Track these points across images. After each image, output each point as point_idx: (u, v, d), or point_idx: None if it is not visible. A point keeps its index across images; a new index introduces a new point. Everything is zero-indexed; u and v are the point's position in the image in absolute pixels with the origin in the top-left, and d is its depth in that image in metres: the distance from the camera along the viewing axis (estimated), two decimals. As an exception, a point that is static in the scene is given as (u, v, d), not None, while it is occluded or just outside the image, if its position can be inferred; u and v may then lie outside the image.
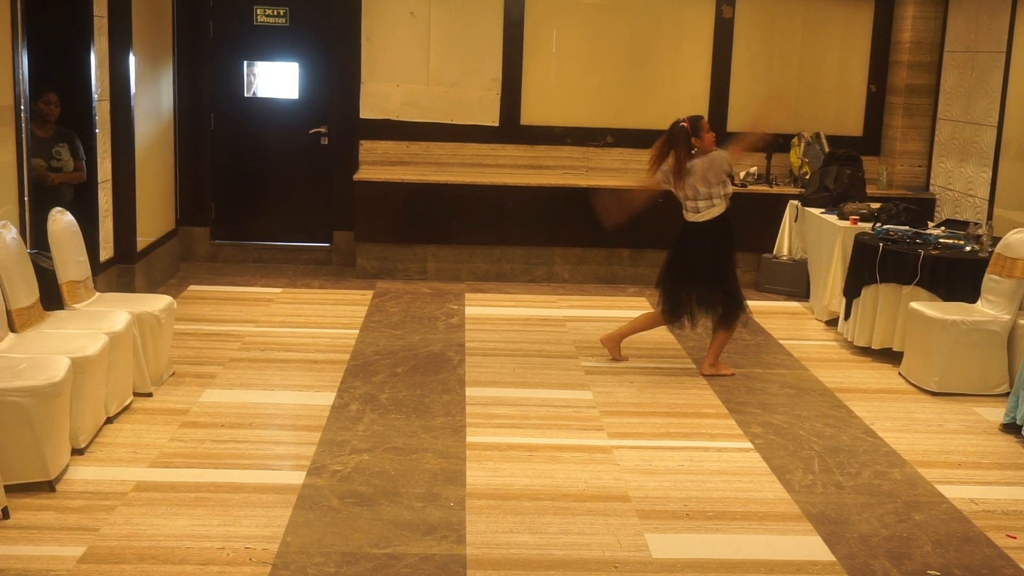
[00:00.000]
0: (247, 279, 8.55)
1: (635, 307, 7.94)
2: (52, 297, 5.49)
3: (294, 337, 6.91)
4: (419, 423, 5.40)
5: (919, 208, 7.58)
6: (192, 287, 8.20)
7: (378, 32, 8.96)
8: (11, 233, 5.14)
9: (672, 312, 6.38)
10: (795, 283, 8.44)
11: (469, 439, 5.20)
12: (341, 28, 8.97)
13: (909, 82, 8.94)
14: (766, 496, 4.67)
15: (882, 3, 9.15)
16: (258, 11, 8.99)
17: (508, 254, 8.80)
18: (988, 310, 6.20)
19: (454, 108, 9.08)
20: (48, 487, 4.41)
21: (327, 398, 5.73)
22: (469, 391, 5.92)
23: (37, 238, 5.88)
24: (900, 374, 6.48)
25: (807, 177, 8.75)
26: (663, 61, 9.17)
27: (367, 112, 9.04)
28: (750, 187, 8.77)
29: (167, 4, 8.45)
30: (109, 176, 7.30)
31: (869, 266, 6.76)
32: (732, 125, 9.13)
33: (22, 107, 5.86)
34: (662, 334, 7.06)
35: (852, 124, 9.35)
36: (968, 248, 6.69)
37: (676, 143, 6.16)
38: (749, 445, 5.28)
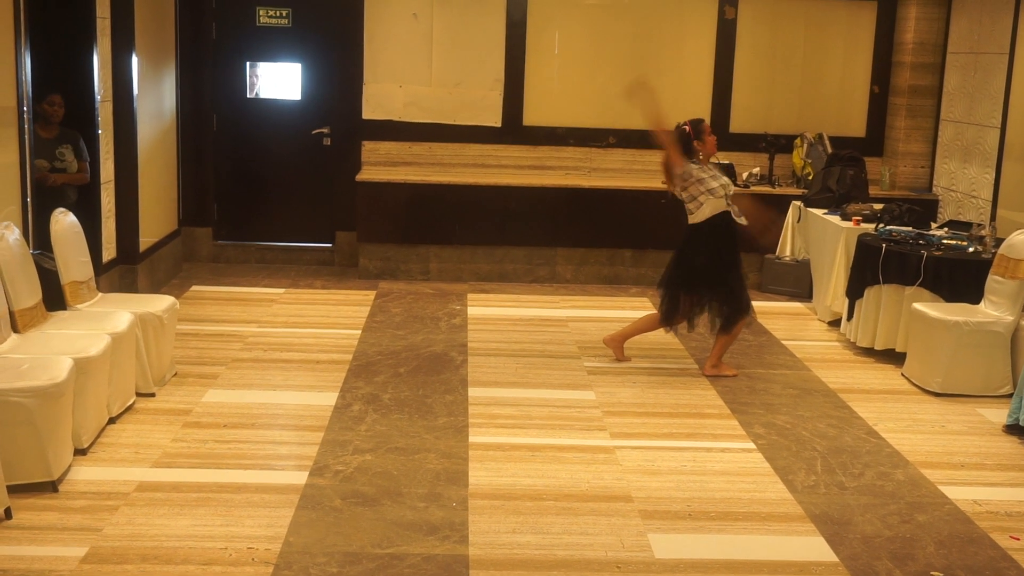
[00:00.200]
0: (249, 279, 8.55)
1: (638, 308, 7.93)
2: (55, 297, 5.49)
3: (297, 337, 6.91)
4: (422, 423, 5.40)
5: (922, 209, 7.57)
6: (195, 287, 8.20)
7: (380, 33, 8.96)
8: (14, 234, 5.15)
9: (669, 314, 6.37)
10: (798, 284, 8.43)
11: (472, 439, 5.20)
12: (344, 29, 8.97)
13: (912, 83, 8.93)
14: (769, 497, 4.66)
15: (885, 4, 9.15)
16: (260, 12, 8.99)
17: (510, 254, 8.80)
18: (991, 311, 6.19)
19: (456, 109, 9.08)
20: (51, 487, 4.42)
21: (329, 398, 5.73)
22: (472, 391, 5.92)
23: (40, 239, 5.88)
24: (903, 375, 6.48)
25: (810, 178, 8.74)
26: (666, 62, 9.17)
27: (369, 113, 9.05)
28: (753, 188, 8.77)
29: (169, 5, 8.46)
30: (112, 177, 7.30)
31: (872, 267, 6.76)
32: (735, 126, 9.15)
33: (25, 108, 5.86)
34: (665, 335, 7.05)
35: (855, 125, 9.34)
36: (971, 249, 6.68)
37: (674, 141, 6.18)
38: (752, 446, 5.27)
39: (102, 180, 7.08)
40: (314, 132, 9.16)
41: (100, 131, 7.04)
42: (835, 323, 7.53)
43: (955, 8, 8.69)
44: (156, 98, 8.09)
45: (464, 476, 4.75)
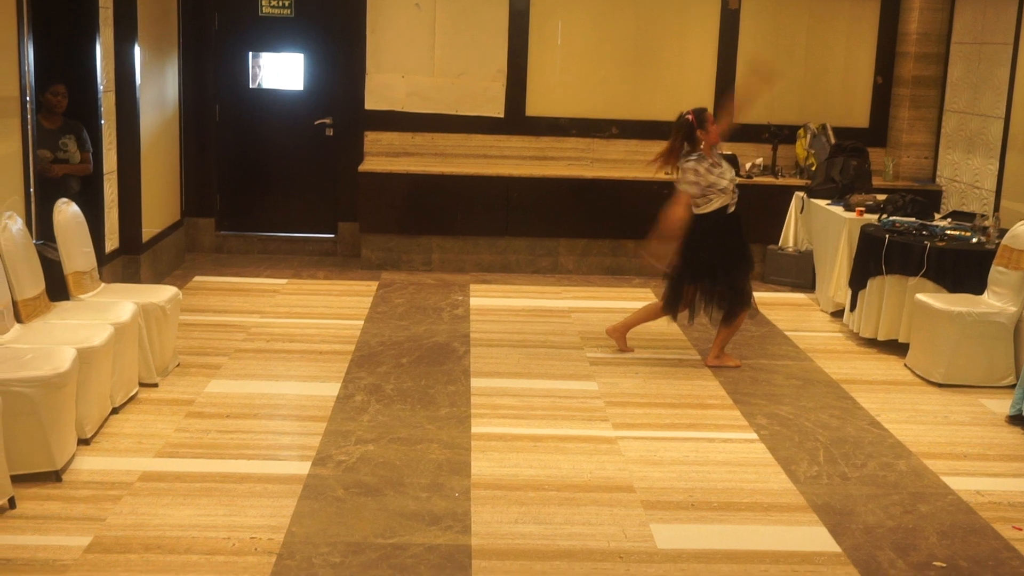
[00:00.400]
0: (252, 270, 8.55)
1: (640, 298, 7.93)
2: (58, 288, 5.49)
3: (299, 328, 6.91)
4: (424, 414, 5.40)
5: (925, 200, 7.56)
6: (197, 278, 8.21)
7: (383, 23, 8.94)
8: (17, 224, 5.15)
9: (671, 303, 6.37)
10: (801, 274, 8.43)
11: (474, 429, 5.21)
12: (346, 19, 8.96)
13: (916, 74, 8.91)
14: (771, 487, 4.66)
15: (889, -6, 9.14)
16: (263, 2, 8.98)
17: (513, 245, 8.80)
18: (994, 302, 6.18)
19: (459, 99, 9.07)
20: (54, 477, 4.43)
21: (332, 389, 5.73)
22: (474, 382, 5.92)
23: (43, 229, 5.88)
24: (906, 365, 6.47)
25: (813, 168, 8.73)
26: (669, 52, 9.16)
27: (372, 103, 9.04)
28: (756, 179, 8.76)
29: (172, -5, 8.46)
30: (115, 167, 7.30)
31: (875, 258, 6.75)
32: (738, 117, 9.11)
33: (28, 98, 5.86)
34: (667, 325, 7.05)
35: (858, 116, 9.33)
36: (975, 240, 6.67)
37: (677, 135, 6.15)
38: (754, 436, 5.27)
39: (105, 170, 7.08)
40: (317, 122, 9.16)
41: (103, 121, 7.03)
42: (838, 314, 7.53)
43: (959, -2, 8.68)
44: (159, 88, 8.08)
45: (466, 466, 4.76)
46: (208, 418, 5.26)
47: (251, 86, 9.16)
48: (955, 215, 7.53)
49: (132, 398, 5.42)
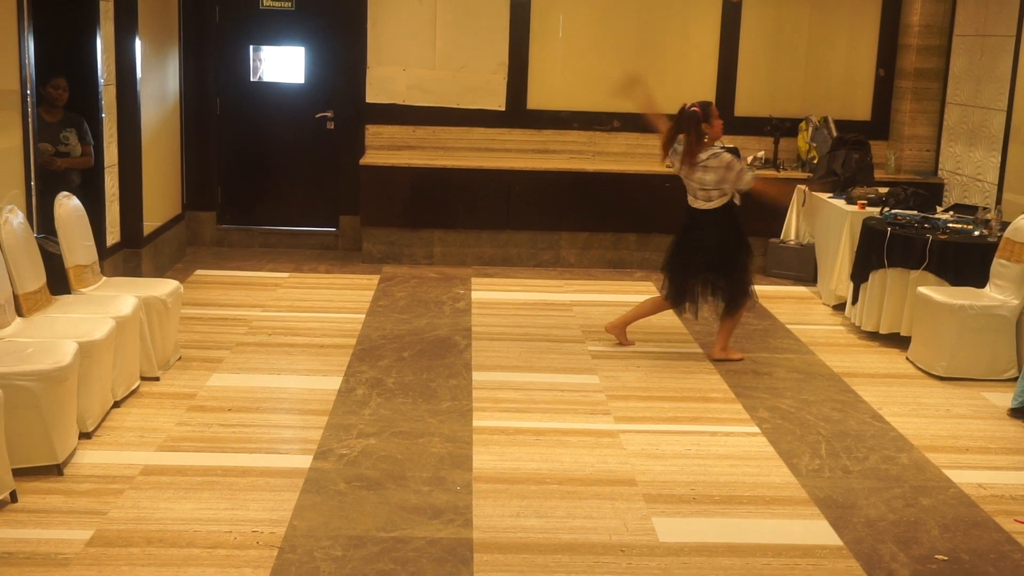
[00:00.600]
0: (253, 264, 8.55)
1: (642, 291, 7.91)
2: (59, 281, 5.49)
3: (301, 322, 6.91)
4: (425, 407, 5.40)
5: (927, 193, 7.55)
6: (199, 272, 8.20)
7: (384, 16, 8.93)
8: (18, 218, 5.14)
9: (677, 297, 6.36)
10: (802, 268, 8.42)
11: (475, 423, 5.20)
12: (347, 12, 8.94)
13: (918, 66, 8.89)
14: (773, 480, 4.66)
15: (891, -14, 9.12)
16: (264, -5, 8.98)
17: (515, 239, 8.79)
18: (996, 295, 6.17)
19: (460, 92, 9.05)
20: (56, 471, 4.43)
21: (334, 382, 5.73)
22: (475, 375, 5.92)
23: (44, 222, 5.88)
24: (908, 359, 6.47)
25: (815, 162, 8.72)
26: (670, 45, 9.14)
27: (373, 96, 9.03)
28: (757, 172, 8.73)
29: (173, -12, 8.44)
30: (116, 161, 7.29)
31: (877, 251, 6.74)
32: (740, 110, 9.12)
33: (28, 91, 5.85)
34: (669, 319, 7.05)
35: (860, 108, 9.31)
36: (977, 233, 6.66)
37: (687, 129, 6.13)
38: (756, 429, 5.27)
39: (106, 164, 7.07)
40: (318, 116, 9.14)
41: (104, 115, 7.02)
42: (840, 307, 7.52)
43: (962, -10, 8.65)
44: (159, 82, 8.07)
45: (468, 460, 4.76)
46: (210, 412, 5.26)
47: (252, 79, 9.15)
48: (957, 208, 7.52)
49: (134, 392, 5.41)
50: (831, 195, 7.98)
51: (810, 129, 8.93)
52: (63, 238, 5.55)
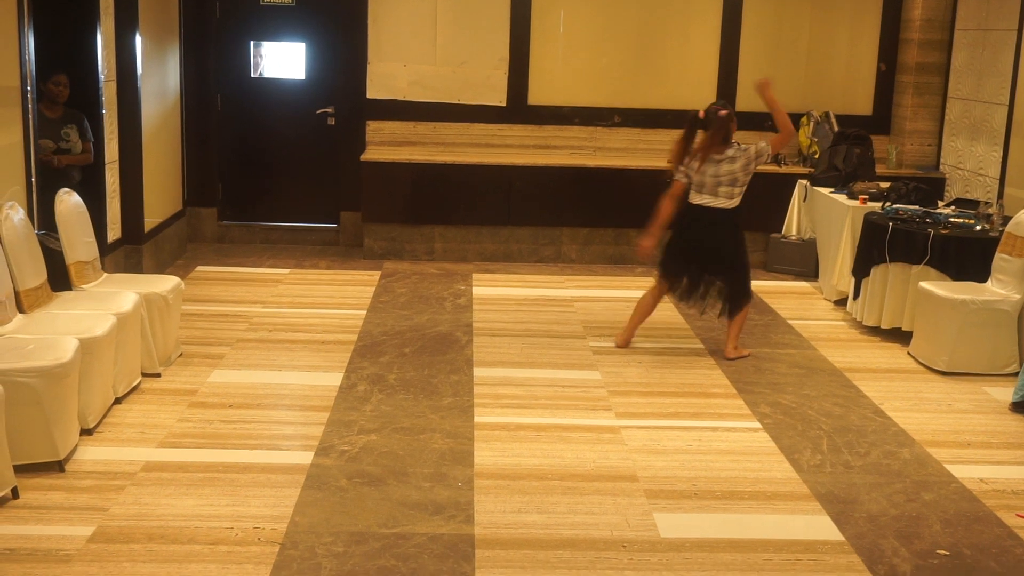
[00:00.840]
0: (254, 260, 8.55)
1: (643, 287, 7.86)
2: (60, 278, 5.49)
3: (302, 318, 6.91)
4: (427, 403, 5.40)
5: (929, 187, 7.53)
6: (200, 268, 8.20)
7: (385, 12, 8.92)
8: (19, 214, 5.14)
9: (682, 293, 6.35)
10: (804, 263, 8.41)
11: (477, 419, 5.20)
12: (348, 8, 8.93)
13: (919, 61, 8.87)
14: (775, 476, 4.66)
15: (892, -19, 9.10)
16: (264, -9, 8.97)
17: (516, 234, 8.78)
18: (998, 289, 6.17)
19: (461, 88, 9.05)
20: (57, 467, 4.43)
21: (335, 378, 5.73)
22: (477, 371, 5.92)
23: (45, 219, 5.88)
24: (909, 354, 6.46)
25: (816, 157, 8.71)
26: (671, 41, 9.12)
27: (374, 92, 9.02)
28: (759, 167, 8.72)
29: (173, -16, 8.43)
30: (116, 157, 7.29)
31: (878, 246, 6.74)
32: (741, 105, 9.08)
33: (29, 88, 5.84)
34: (670, 314, 7.05)
35: (862, 103, 9.30)
36: (978, 227, 6.65)
37: (722, 128, 6.07)
38: (757, 425, 5.27)
39: (107, 160, 7.07)
40: (318, 112, 9.14)
41: (104, 111, 7.02)
42: (841, 302, 7.52)
43: (963, -15, 8.63)
44: (160, 78, 8.07)
45: (469, 456, 4.76)
46: (211, 408, 5.26)
47: (253, 75, 9.14)
48: (959, 203, 7.52)
49: (135, 388, 5.42)
50: (832, 190, 7.97)
51: (811, 124, 8.92)
52: (64, 234, 5.55)
